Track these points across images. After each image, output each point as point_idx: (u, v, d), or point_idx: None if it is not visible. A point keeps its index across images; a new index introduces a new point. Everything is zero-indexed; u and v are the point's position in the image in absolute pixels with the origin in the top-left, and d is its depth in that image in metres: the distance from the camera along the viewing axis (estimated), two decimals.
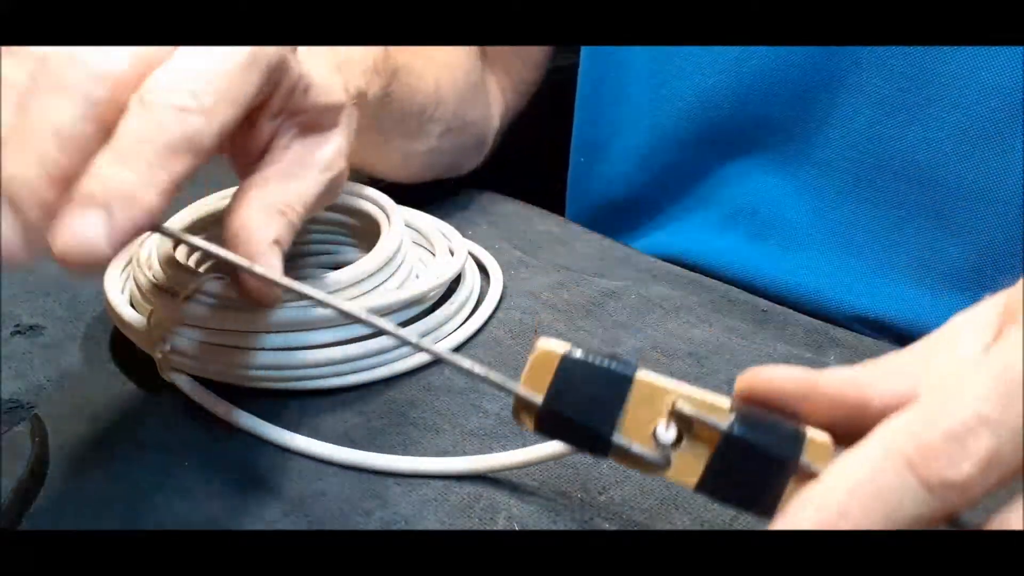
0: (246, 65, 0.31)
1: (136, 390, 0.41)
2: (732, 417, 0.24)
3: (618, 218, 0.61)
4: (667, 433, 0.25)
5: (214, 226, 0.45)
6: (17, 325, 0.46)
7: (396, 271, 0.43)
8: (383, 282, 0.42)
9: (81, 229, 0.27)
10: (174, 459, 0.37)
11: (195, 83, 0.30)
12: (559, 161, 0.67)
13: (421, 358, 0.43)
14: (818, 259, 0.52)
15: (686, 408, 0.25)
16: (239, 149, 0.37)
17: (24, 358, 0.43)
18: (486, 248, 0.53)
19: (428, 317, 0.44)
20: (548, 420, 0.26)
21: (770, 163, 0.54)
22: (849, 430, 0.25)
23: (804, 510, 0.22)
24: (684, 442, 0.25)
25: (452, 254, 0.48)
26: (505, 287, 0.50)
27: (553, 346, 0.26)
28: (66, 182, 0.27)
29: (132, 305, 0.43)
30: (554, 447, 0.35)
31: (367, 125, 0.43)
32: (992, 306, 0.26)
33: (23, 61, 0.29)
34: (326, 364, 0.40)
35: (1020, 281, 0.26)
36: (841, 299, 0.51)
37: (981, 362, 0.23)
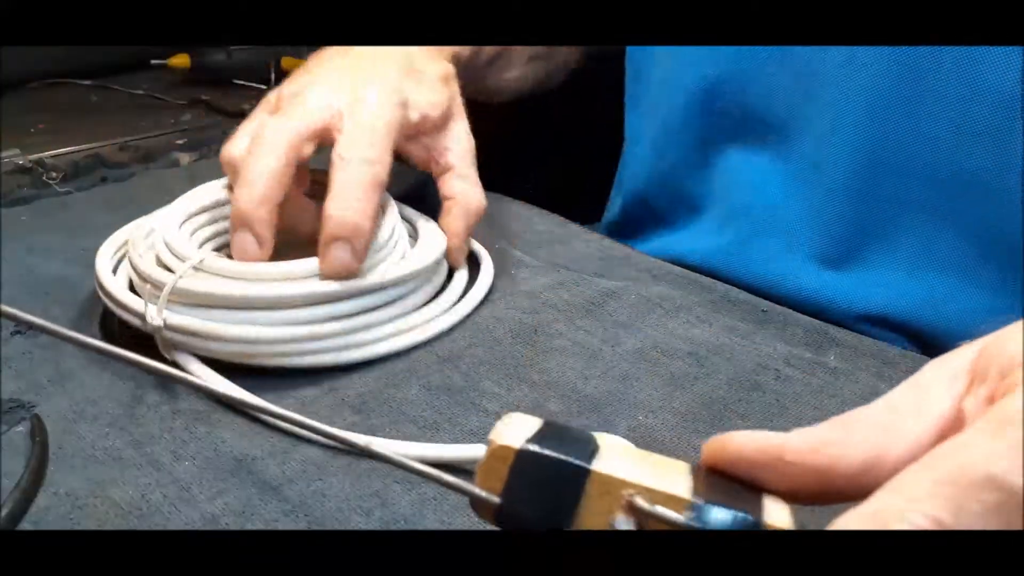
0: (391, 124, 0.46)
1: (136, 389, 0.41)
2: (689, 512, 0.24)
3: (632, 220, 0.62)
4: (625, 524, 0.25)
5: (212, 211, 0.49)
6: (17, 325, 0.46)
7: (390, 254, 0.46)
8: (376, 265, 0.45)
9: (338, 257, 0.42)
10: (174, 459, 0.37)
11: (370, 143, 0.44)
12: (561, 161, 0.67)
13: (414, 337, 0.45)
14: (816, 256, 0.52)
15: (642, 504, 0.24)
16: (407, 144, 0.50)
17: (24, 358, 0.43)
18: (486, 248, 0.53)
19: (415, 297, 0.46)
20: (506, 517, 0.26)
21: (766, 159, 0.54)
22: (817, 492, 0.25)
23: None
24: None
25: (439, 238, 0.49)
26: (502, 282, 0.50)
27: (508, 439, 0.25)
28: (274, 203, 0.44)
29: (131, 288, 0.45)
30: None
31: (463, 72, 0.54)
32: (965, 357, 0.26)
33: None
34: (314, 339, 0.43)
35: (991, 336, 0.25)
36: (840, 296, 0.51)
37: (940, 455, 0.22)
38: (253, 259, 0.43)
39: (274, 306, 0.42)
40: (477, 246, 0.53)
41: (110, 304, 0.44)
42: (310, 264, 0.43)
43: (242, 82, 0.89)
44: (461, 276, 0.50)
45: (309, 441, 0.38)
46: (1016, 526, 0.21)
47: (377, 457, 0.28)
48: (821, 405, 0.41)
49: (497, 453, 0.25)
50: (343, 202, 0.43)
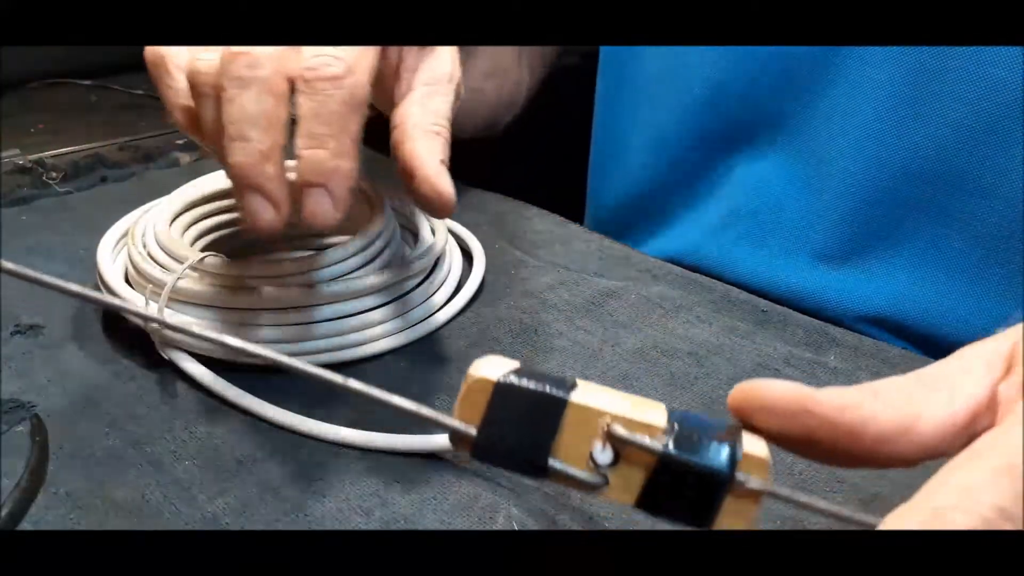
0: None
1: (136, 389, 0.41)
2: (666, 438, 0.24)
3: (630, 218, 0.62)
4: (603, 454, 0.25)
5: (215, 200, 0.50)
6: (17, 325, 0.46)
7: (382, 251, 0.45)
8: (368, 262, 0.45)
9: (315, 207, 0.35)
10: (174, 459, 0.37)
11: (335, 51, 0.35)
12: (561, 162, 0.67)
13: (412, 335, 0.45)
14: (818, 256, 0.52)
15: (620, 431, 0.25)
16: (376, 86, 0.39)
17: (24, 358, 0.43)
18: (486, 248, 0.53)
19: (411, 295, 0.46)
20: (484, 449, 0.26)
21: (772, 160, 0.54)
22: (841, 454, 0.25)
23: None
24: (621, 462, 0.25)
25: (434, 234, 0.49)
26: (502, 282, 0.50)
27: (486, 372, 0.25)
28: (278, 153, 0.35)
29: (128, 282, 0.45)
30: None
31: None
32: (1004, 340, 0.26)
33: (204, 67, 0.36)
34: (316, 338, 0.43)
35: None
36: (843, 296, 0.51)
37: (991, 447, 0.22)
38: (270, 225, 0.36)
39: (271, 307, 0.42)
40: (470, 237, 0.54)
41: (112, 301, 0.44)
42: (308, 263, 0.43)
43: None
44: (455, 271, 0.50)
45: (309, 441, 0.38)
46: None
47: (356, 393, 0.27)
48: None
49: (475, 386, 0.25)
50: (313, 138, 0.35)
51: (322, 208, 0.36)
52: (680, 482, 0.24)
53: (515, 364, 0.26)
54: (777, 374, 0.43)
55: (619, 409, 0.25)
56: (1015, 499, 0.21)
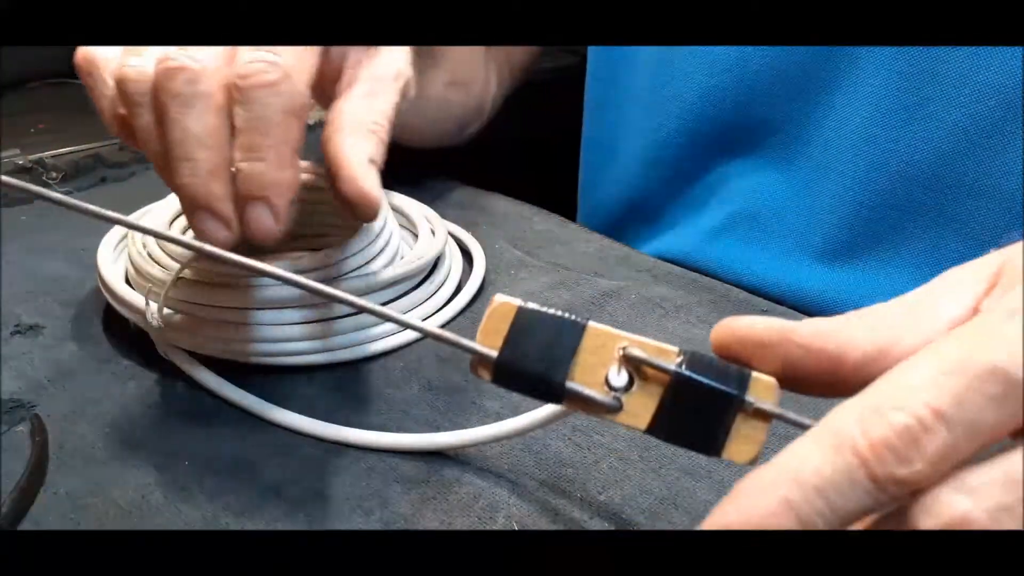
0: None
1: (136, 389, 0.41)
2: (680, 359, 0.25)
3: (624, 221, 0.62)
4: (619, 377, 0.26)
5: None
6: (17, 325, 0.46)
7: (382, 251, 0.45)
8: (368, 261, 0.44)
9: (256, 222, 0.34)
10: (174, 459, 0.37)
11: (270, 55, 0.33)
12: (561, 162, 0.67)
13: (407, 336, 0.45)
14: (818, 258, 0.52)
15: (636, 352, 0.26)
16: (318, 87, 0.38)
17: (24, 358, 0.43)
18: (486, 248, 0.53)
19: (411, 295, 0.46)
20: (504, 371, 0.27)
21: (770, 164, 0.54)
22: (824, 381, 0.25)
23: (749, 497, 0.22)
24: (635, 386, 0.26)
25: (434, 235, 0.49)
26: (502, 282, 0.50)
27: (509, 299, 0.27)
28: (224, 170, 0.34)
29: (128, 282, 0.45)
30: (518, 423, 0.35)
31: None
32: (990, 262, 0.26)
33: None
34: (307, 339, 0.42)
35: (1016, 244, 0.25)
36: (842, 298, 0.51)
37: (944, 343, 0.22)
38: (225, 244, 0.34)
39: (269, 306, 0.42)
40: (468, 237, 0.54)
41: (111, 300, 0.44)
42: (306, 262, 0.43)
43: None
44: (456, 270, 0.50)
45: (309, 441, 0.38)
46: (1016, 421, 0.21)
47: (376, 313, 0.29)
48: (821, 405, 0.41)
49: (499, 311, 0.27)
50: (251, 150, 0.34)
51: (264, 223, 0.34)
52: (692, 403, 0.25)
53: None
54: None
55: (636, 337, 0.26)
56: (955, 400, 0.21)
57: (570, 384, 0.26)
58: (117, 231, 0.49)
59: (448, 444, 0.37)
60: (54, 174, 0.65)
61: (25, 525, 0.34)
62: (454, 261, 0.51)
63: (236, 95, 0.33)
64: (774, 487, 0.21)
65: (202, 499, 0.35)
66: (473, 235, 0.54)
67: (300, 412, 0.39)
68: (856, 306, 0.51)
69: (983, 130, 0.46)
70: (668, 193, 0.59)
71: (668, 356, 0.26)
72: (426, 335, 0.28)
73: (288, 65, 0.34)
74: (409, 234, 0.51)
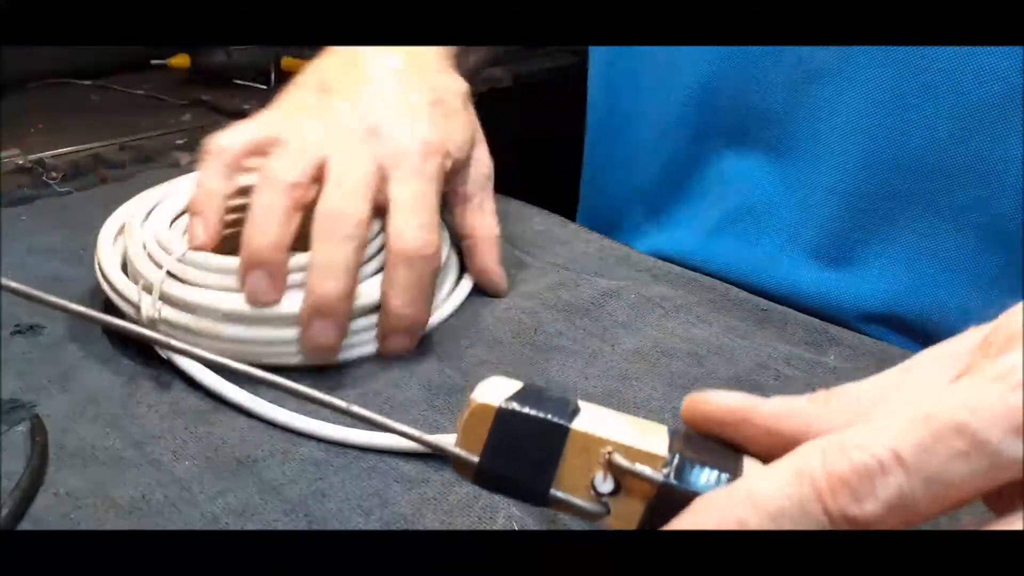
0: (435, 177, 0.45)
1: (136, 389, 0.41)
2: (666, 469, 0.24)
3: (624, 213, 0.62)
4: (605, 484, 0.25)
5: None
6: (17, 325, 0.46)
7: (379, 252, 0.45)
8: (367, 260, 0.44)
9: (323, 337, 0.41)
10: (174, 459, 0.37)
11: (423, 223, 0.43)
12: (561, 162, 0.67)
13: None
14: (814, 254, 0.52)
15: (621, 461, 0.25)
16: None
17: (24, 358, 0.43)
18: None
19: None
20: (486, 477, 0.26)
21: (766, 157, 0.54)
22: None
23: (707, 513, 0.22)
24: (622, 491, 0.25)
25: None
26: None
27: (488, 397, 0.26)
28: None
29: (125, 272, 0.45)
30: None
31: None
32: (964, 340, 0.25)
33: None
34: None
35: (1004, 314, 0.25)
36: (839, 294, 0.51)
37: (920, 403, 0.22)
38: (268, 302, 0.41)
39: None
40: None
41: (111, 295, 0.44)
42: (299, 261, 0.42)
43: (242, 82, 0.89)
44: (452, 270, 0.50)
45: (309, 441, 0.38)
46: (979, 483, 0.21)
47: (357, 417, 0.28)
48: None
49: (477, 412, 0.25)
50: (320, 275, 0.41)
51: (327, 337, 0.42)
52: (682, 505, 0.24)
53: (517, 386, 0.26)
54: (777, 374, 0.43)
55: (620, 436, 0.25)
56: (917, 448, 0.21)
57: (555, 492, 0.25)
58: (116, 220, 0.48)
59: (449, 444, 0.37)
60: (54, 174, 0.65)
61: (25, 525, 0.34)
62: (452, 260, 0.50)
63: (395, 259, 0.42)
64: (732, 507, 0.22)
65: (202, 499, 0.35)
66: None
67: (300, 412, 0.39)
68: (852, 301, 0.51)
69: (981, 119, 0.46)
70: (668, 185, 0.59)
71: (655, 461, 0.24)
72: (410, 438, 0.27)
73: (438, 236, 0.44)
74: None
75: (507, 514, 0.34)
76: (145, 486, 0.35)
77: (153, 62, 0.88)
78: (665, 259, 0.54)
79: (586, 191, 0.66)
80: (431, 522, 0.34)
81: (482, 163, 0.50)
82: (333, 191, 0.42)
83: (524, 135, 0.72)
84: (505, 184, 0.62)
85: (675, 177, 0.58)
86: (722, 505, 0.22)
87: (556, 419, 0.25)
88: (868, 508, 0.21)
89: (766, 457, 0.25)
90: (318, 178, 0.42)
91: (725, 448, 0.26)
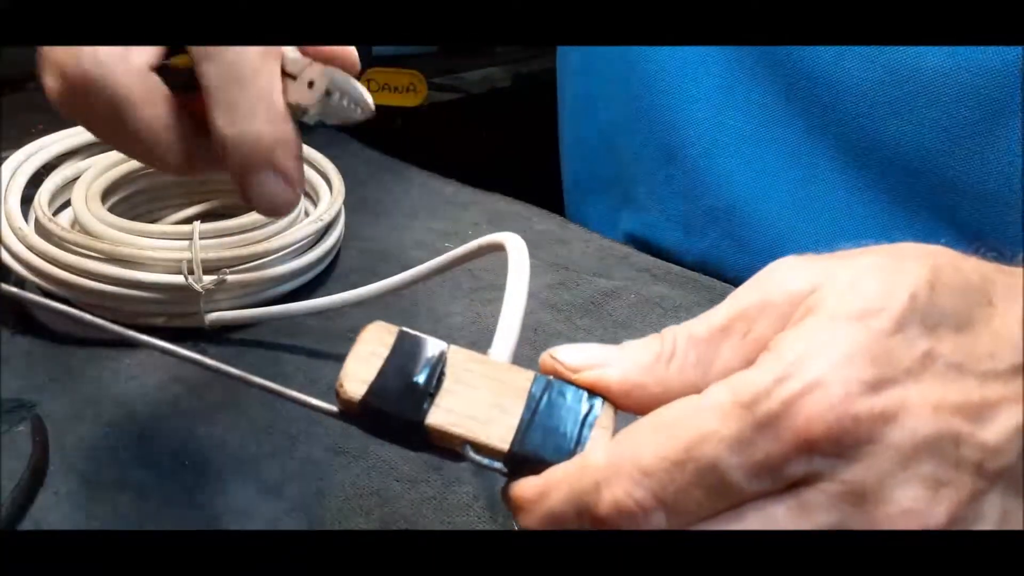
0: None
1: (136, 389, 0.41)
2: (506, 461, 0.26)
3: (602, 192, 0.61)
4: (469, 455, 0.26)
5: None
6: (17, 325, 0.46)
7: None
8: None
9: (269, 194, 0.31)
10: (174, 459, 0.37)
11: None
12: (559, 161, 0.67)
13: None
14: (806, 251, 0.52)
15: (470, 455, 0.26)
16: None
17: (24, 358, 0.43)
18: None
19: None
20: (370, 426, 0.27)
21: (755, 154, 0.54)
22: (639, 410, 0.26)
23: (532, 492, 0.25)
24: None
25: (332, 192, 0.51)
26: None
27: (352, 386, 0.26)
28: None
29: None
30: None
31: None
32: (793, 286, 0.26)
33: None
34: None
35: (827, 274, 0.26)
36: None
37: (689, 412, 0.24)
38: (287, 206, 0.32)
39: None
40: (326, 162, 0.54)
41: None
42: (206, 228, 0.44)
43: None
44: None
45: (309, 440, 0.38)
46: (722, 506, 0.23)
47: (252, 384, 0.28)
48: None
49: (346, 402, 0.26)
50: (244, 116, 0.30)
51: (278, 191, 0.32)
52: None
53: (387, 350, 0.27)
54: None
55: (470, 428, 0.26)
56: (676, 493, 0.23)
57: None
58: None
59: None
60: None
61: (25, 525, 0.34)
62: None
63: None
64: (540, 504, 0.24)
65: (202, 499, 0.35)
66: (473, 234, 0.54)
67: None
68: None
69: (967, 127, 0.46)
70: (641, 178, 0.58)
71: (498, 454, 0.26)
72: (305, 405, 0.28)
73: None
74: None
75: (507, 514, 0.34)
76: (145, 486, 0.35)
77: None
78: (659, 254, 0.54)
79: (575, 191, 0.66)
80: (431, 522, 0.34)
81: None
82: None
83: (524, 135, 0.72)
84: (505, 184, 0.62)
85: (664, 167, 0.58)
86: (541, 490, 0.24)
87: (410, 416, 0.26)
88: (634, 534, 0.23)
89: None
90: None
91: (577, 407, 0.26)
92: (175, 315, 0.44)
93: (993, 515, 0.23)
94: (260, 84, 0.31)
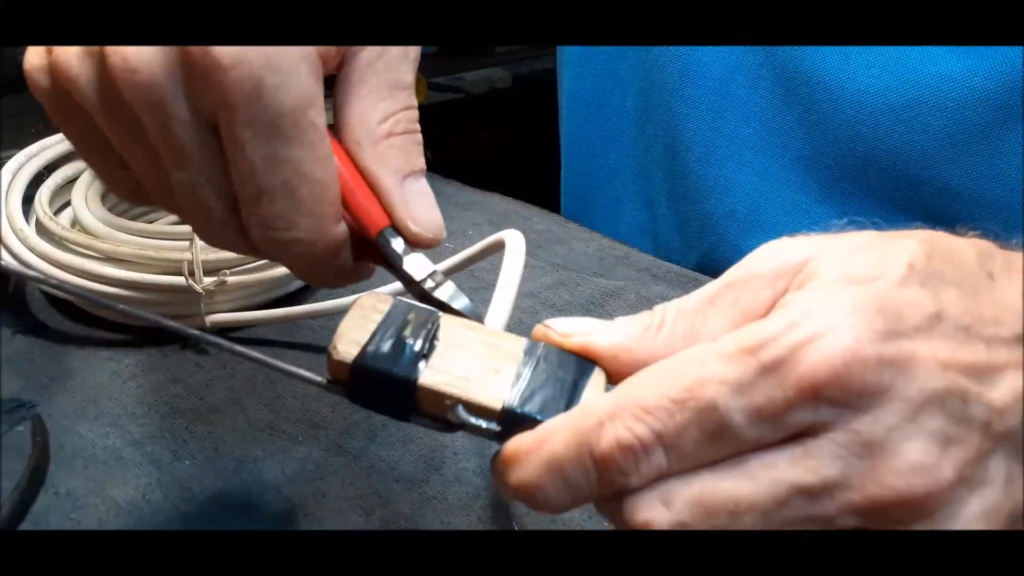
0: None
1: (136, 389, 0.41)
2: (498, 422, 0.26)
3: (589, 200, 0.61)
4: (460, 418, 0.26)
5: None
6: (18, 326, 0.46)
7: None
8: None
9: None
10: (174, 459, 0.37)
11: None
12: (559, 161, 0.67)
13: None
14: None
15: (460, 414, 0.26)
16: None
17: (25, 358, 0.43)
18: None
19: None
20: (358, 397, 0.27)
21: (755, 159, 0.54)
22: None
23: (526, 449, 0.24)
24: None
25: None
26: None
27: (344, 349, 0.27)
28: None
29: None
30: None
31: None
32: (781, 259, 0.26)
33: None
34: None
35: (822, 247, 0.26)
36: None
37: (689, 357, 0.24)
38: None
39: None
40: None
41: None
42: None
43: None
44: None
45: (309, 441, 0.38)
46: (728, 451, 0.23)
47: (237, 353, 0.28)
48: None
49: (335, 368, 0.27)
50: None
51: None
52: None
53: (381, 316, 0.27)
54: None
55: (462, 388, 0.26)
56: (676, 432, 0.23)
57: (415, 418, 0.27)
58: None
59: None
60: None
61: (25, 525, 0.34)
62: None
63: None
64: (539, 451, 0.24)
65: (202, 499, 0.35)
66: (473, 235, 0.54)
67: (300, 411, 0.39)
68: None
69: (971, 136, 0.46)
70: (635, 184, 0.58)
71: (490, 414, 0.26)
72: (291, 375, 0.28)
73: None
74: None
75: (507, 514, 0.34)
76: (145, 486, 0.35)
77: None
78: (658, 254, 0.54)
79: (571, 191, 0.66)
80: (431, 522, 0.34)
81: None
82: None
83: (524, 135, 0.72)
84: (506, 184, 0.62)
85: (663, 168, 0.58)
86: (531, 445, 0.24)
87: (402, 374, 0.26)
88: (632, 481, 0.23)
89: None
90: None
91: (582, 361, 0.27)
92: (175, 316, 0.44)
93: (998, 478, 0.23)
94: None
